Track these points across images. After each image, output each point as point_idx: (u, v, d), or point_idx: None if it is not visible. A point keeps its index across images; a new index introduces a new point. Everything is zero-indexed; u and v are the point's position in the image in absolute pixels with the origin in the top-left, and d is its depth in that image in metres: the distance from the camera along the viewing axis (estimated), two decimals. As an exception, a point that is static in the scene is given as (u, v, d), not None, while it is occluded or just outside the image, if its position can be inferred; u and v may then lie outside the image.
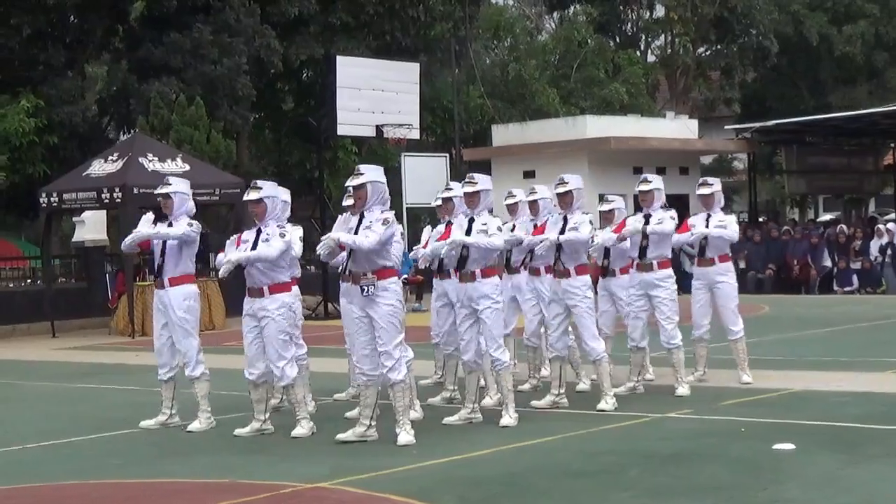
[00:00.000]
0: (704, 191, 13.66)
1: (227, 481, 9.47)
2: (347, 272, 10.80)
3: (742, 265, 30.29)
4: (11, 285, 27.73)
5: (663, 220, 12.90)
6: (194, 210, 12.25)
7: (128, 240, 12.24)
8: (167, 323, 11.96)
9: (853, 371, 14.50)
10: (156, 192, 12.27)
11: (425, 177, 29.60)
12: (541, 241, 12.18)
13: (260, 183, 11.54)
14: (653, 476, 9.08)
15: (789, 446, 9.78)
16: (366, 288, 10.59)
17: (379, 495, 8.67)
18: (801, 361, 15.69)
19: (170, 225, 11.94)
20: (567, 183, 12.24)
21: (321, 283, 26.56)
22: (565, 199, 12.23)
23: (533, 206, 13.32)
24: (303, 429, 11.24)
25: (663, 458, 9.69)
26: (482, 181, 11.51)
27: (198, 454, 10.73)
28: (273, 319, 11.24)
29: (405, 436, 10.61)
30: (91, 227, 28.08)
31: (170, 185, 12.13)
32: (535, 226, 12.99)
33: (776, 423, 11.05)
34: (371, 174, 10.74)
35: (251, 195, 11.34)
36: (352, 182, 10.75)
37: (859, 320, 21.41)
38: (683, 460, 9.56)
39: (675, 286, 13.23)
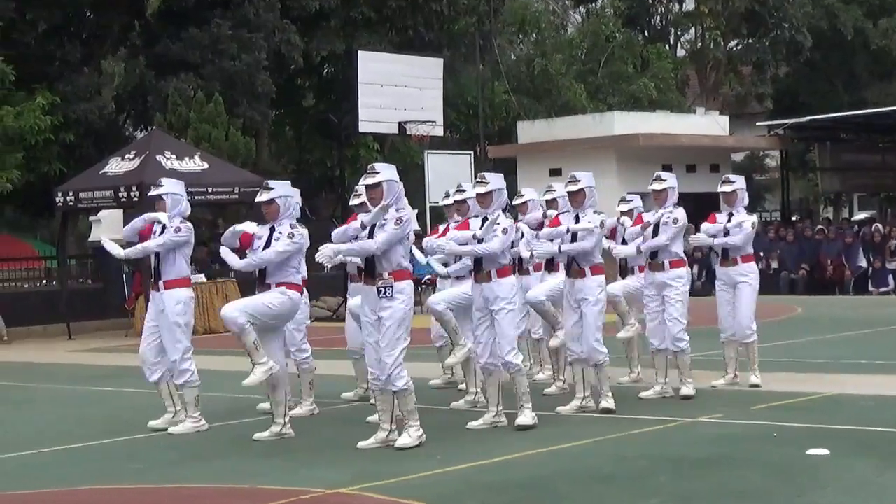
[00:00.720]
0: (726, 188, 13.63)
1: (246, 487, 9.47)
2: (363, 272, 10.77)
3: (775, 265, 30.22)
4: (27, 286, 27.88)
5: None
6: (188, 211, 12.35)
7: (130, 251, 12.47)
8: (157, 325, 12.09)
9: (889, 374, 14.42)
10: (148, 194, 12.33)
11: (449, 175, 29.52)
12: (543, 250, 12.17)
13: (272, 183, 11.58)
14: (683, 482, 9.05)
15: (824, 451, 9.73)
16: (383, 289, 10.60)
17: (401, 501, 8.66)
18: (836, 364, 15.61)
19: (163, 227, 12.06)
20: (579, 181, 12.21)
21: (342, 283, 26.53)
22: (577, 198, 12.21)
23: (552, 204, 13.44)
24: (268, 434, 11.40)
25: (694, 463, 9.66)
26: (494, 180, 11.49)
27: (217, 458, 10.75)
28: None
29: (405, 438, 10.65)
30: (107, 227, 28.11)
31: (161, 186, 12.21)
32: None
33: (810, 427, 11.01)
34: (386, 173, 10.75)
35: (262, 196, 11.36)
36: (366, 181, 10.75)
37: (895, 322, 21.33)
38: (714, 466, 9.53)
39: (688, 287, 13.21)
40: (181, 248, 12.10)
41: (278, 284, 11.28)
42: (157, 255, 12.05)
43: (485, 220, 11.36)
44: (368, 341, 10.77)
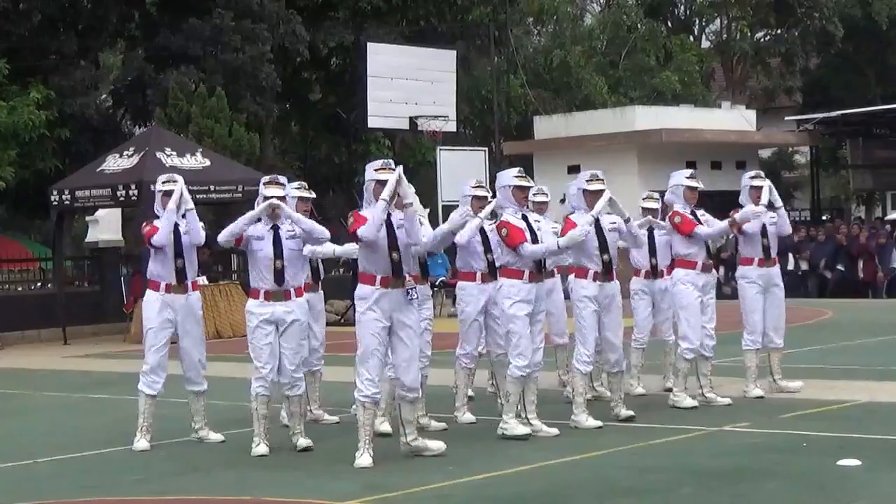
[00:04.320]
0: (757, 182, 13.66)
1: (249, 499, 9.50)
2: (390, 274, 10.71)
3: (804, 266, 30.18)
4: (21, 289, 27.91)
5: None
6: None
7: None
8: (176, 331, 12.01)
9: (924, 381, 14.43)
10: (160, 188, 12.24)
11: (462, 172, 29.56)
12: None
13: (281, 179, 11.61)
14: (707, 494, 9.05)
15: (855, 462, 9.73)
16: (410, 292, 10.65)
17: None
18: (867, 371, 15.60)
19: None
20: (602, 180, 12.30)
21: (351, 286, 26.56)
22: (594, 197, 12.23)
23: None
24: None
25: (719, 474, 9.65)
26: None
27: (219, 469, 10.77)
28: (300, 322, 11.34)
29: (434, 444, 10.75)
30: (105, 227, 28.24)
31: (176, 181, 12.17)
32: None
33: (840, 437, 11.00)
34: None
35: (276, 191, 11.33)
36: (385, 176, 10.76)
37: (931, 326, 21.30)
38: (741, 477, 9.52)
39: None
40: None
41: (298, 290, 11.40)
42: (180, 254, 11.99)
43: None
44: (379, 350, 10.70)
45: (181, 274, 11.98)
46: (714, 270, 13.66)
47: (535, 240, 11.53)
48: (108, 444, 12.25)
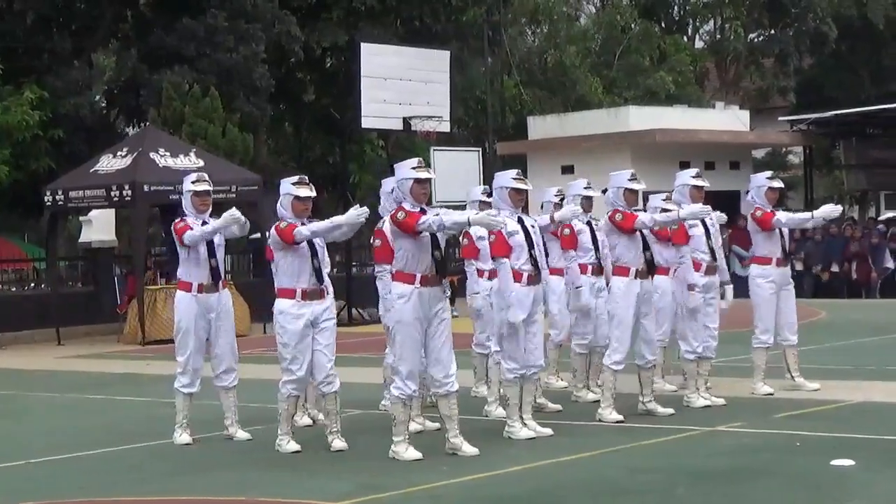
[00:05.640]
0: (776, 184, 13.72)
1: (245, 499, 9.51)
2: (432, 272, 10.72)
3: (799, 266, 30.18)
4: (14, 289, 27.91)
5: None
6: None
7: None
8: (212, 329, 11.98)
9: (918, 381, 14.45)
10: (198, 188, 12.07)
11: (456, 172, 29.56)
12: None
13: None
14: (702, 494, 9.07)
15: (849, 462, 9.75)
16: (446, 286, 10.79)
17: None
18: (861, 371, 15.63)
19: (204, 224, 11.97)
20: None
21: (345, 287, 26.59)
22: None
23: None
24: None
25: (713, 474, 9.68)
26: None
27: (215, 469, 10.77)
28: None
29: (468, 447, 10.78)
30: (99, 228, 28.21)
31: (207, 180, 12.19)
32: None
33: (834, 437, 11.03)
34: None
35: (307, 192, 11.36)
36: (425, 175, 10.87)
37: (925, 326, 21.32)
38: (735, 477, 9.54)
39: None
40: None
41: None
42: (213, 254, 11.96)
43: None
44: (415, 348, 10.71)
45: (215, 273, 11.94)
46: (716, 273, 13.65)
47: (530, 243, 11.53)
48: (102, 444, 12.25)
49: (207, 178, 12.25)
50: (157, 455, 11.61)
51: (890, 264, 29.92)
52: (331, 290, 11.49)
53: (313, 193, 11.32)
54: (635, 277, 12.18)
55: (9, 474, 11.04)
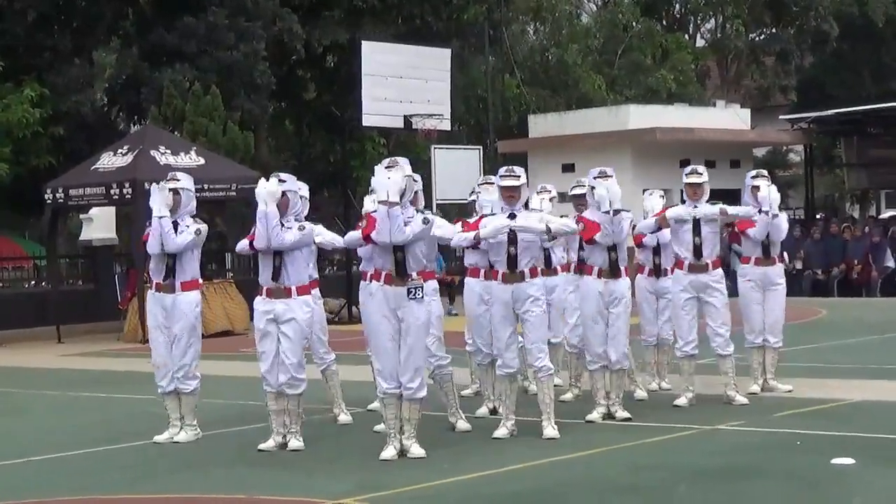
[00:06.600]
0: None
1: (243, 497, 9.50)
2: (393, 273, 10.67)
3: (799, 265, 30.18)
4: (14, 287, 27.87)
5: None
6: (194, 210, 12.39)
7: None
8: (169, 328, 11.98)
9: (918, 380, 14.45)
10: (162, 185, 12.23)
11: (457, 171, 29.57)
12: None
13: (283, 175, 11.60)
14: (702, 492, 9.07)
15: (849, 461, 9.74)
16: (414, 290, 10.63)
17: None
18: (861, 370, 15.62)
19: (175, 224, 11.98)
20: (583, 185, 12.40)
21: (345, 285, 26.58)
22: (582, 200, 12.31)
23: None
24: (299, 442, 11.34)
25: (713, 473, 9.67)
26: (523, 174, 11.58)
27: (214, 467, 10.77)
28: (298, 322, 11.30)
29: (418, 448, 10.68)
30: (99, 225, 28.21)
31: (178, 180, 12.22)
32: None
33: (834, 435, 11.03)
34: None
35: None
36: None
37: (925, 325, 21.32)
38: (735, 476, 9.54)
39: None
40: (197, 248, 12.14)
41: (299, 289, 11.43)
42: (173, 255, 11.97)
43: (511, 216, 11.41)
44: (387, 346, 10.69)
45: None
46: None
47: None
48: (102, 442, 12.24)
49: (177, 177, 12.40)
50: (156, 453, 11.60)
51: (890, 263, 29.92)
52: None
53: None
54: (599, 277, 12.17)
55: (7, 472, 11.03)
